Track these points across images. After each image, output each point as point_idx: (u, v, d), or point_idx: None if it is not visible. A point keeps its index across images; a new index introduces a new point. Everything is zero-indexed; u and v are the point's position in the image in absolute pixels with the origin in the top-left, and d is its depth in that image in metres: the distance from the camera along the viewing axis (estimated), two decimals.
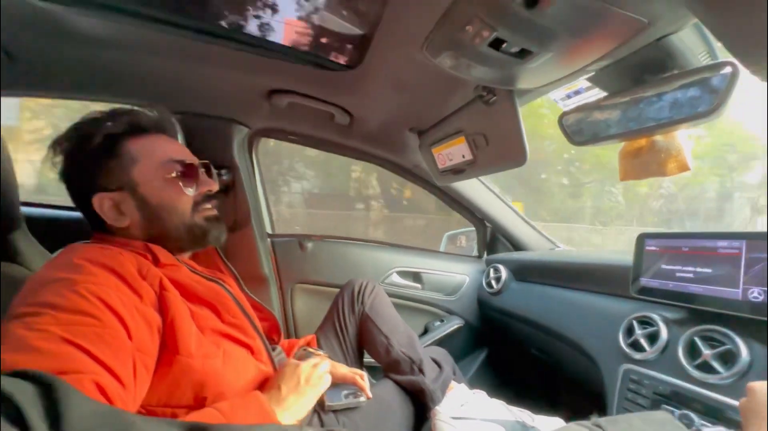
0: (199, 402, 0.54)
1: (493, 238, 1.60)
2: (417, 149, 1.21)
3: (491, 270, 1.46)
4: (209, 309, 0.63)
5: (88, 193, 0.61)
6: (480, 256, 1.62)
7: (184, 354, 0.53)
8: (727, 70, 0.54)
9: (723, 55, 0.58)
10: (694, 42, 0.58)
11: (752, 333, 0.66)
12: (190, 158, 0.69)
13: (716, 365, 0.67)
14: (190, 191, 0.66)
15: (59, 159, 0.63)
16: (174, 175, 0.64)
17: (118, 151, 0.62)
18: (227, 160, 1.18)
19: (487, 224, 1.56)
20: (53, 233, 0.78)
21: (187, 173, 0.66)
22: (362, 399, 0.78)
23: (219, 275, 0.75)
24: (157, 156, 0.64)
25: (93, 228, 0.65)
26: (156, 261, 0.61)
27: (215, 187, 0.71)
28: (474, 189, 1.41)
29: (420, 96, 0.94)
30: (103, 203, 0.61)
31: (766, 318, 0.64)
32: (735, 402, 0.62)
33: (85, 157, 0.62)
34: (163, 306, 0.55)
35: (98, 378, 0.42)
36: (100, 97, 1.01)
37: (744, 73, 0.51)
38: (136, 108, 0.68)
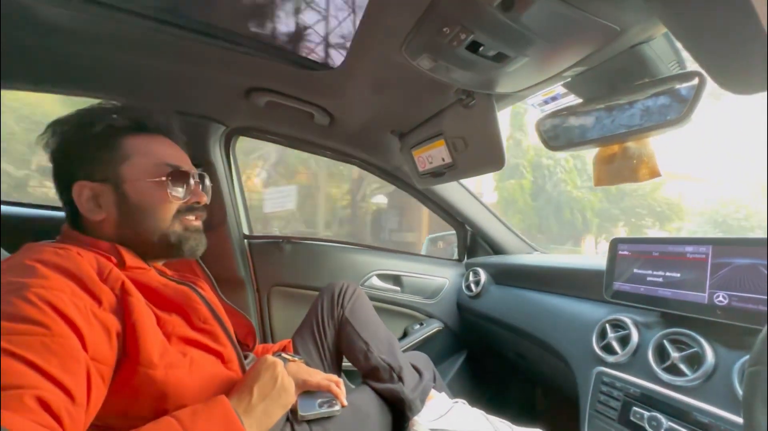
0: (160, 415, 0.51)
1: (473, 242, 1.61)
2: (398, 151, 1.20)
3: (470, 274, 1.47)
4: (178, 315, 0.60)
5: (71, 179, 0.60)
6: (460, 260, 1.63)
7: (145, 364, 0.50)
8: (695, 80, 0.56)
9: (691, 64, 0.60)
10: (664, 51, 0.60)
11: (717, 336, 0.68)
12: (187, 166, 0.67)
13: (683, 367, 0.69)
14: (177, 198, 0.63)
15: (54, 140, 0.61)
16: (163, 179, 0.62)
17: (115, 144, 0.61)
18: (203, 158, 1.15)
19: (468, 227, 1.57)
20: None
21: (178, 180, 0.64)
22: (337, 407, 0.76)
23: (191, 278, 0.71)
24: (152, 157, 0.63)
25: (67, 220, 0.62)
26: (122, 264, 0.58)
27: (204, 199, 0.69)
28: (455, 192, 1.41)
29: (400, 98, 0.93)
30: (82, 192, 0.59)
31: (730, 322, 0.66)
32: (701, 404, 0.63)
33: (80, 142, 0.60)
34: (124, 311, 0.52)
35: (42, 393, 0.39)
36: (70, 91, 0.97)
37: (710, 83, 0.53)
38: (144, 106, 0.66)
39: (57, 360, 0.42)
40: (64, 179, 0.61)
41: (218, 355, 0.63)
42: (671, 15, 0.43)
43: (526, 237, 1.53)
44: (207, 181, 0.72)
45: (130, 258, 0.60)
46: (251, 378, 0.59)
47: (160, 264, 0.69)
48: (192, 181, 0.66)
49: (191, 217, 0.67)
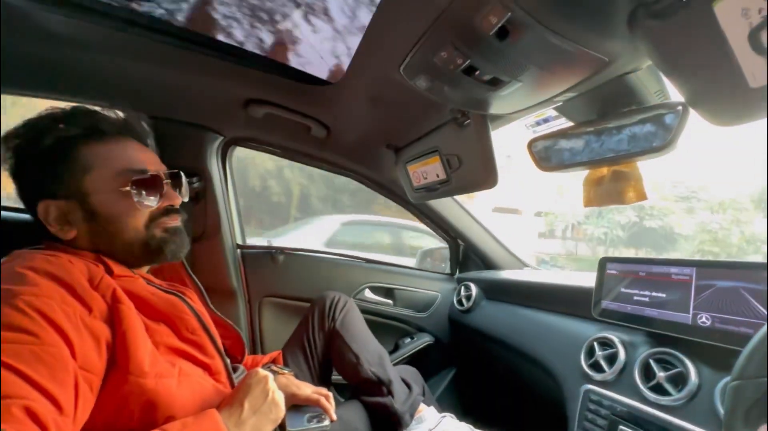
0: (148, 426, 0.50)
1: (465, 256, 1.62)
2: (393, 165, 1.22)
3: (462, 288, 1.47)
4: (166, 324, 0.59)
5: (35, 198, 0.58)
6: (452, 274, 1.64)
7: (135, 373, 0.50)
8: (678, 109, 0.58)
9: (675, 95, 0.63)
10: (650, 81, 0.63)
11: (701, 356, 0.70)
12: (155, 167, 0.64)
13: (668, 387, 0.70)
14: (147, 206, 0.61)
15: (9, 157, 0.58)
16: (128, 188, 0.59)
17: (70, 155, 0.58)
18: (199, 167, 1.15)
19: (460, 242, 1.59)
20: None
21: (147, 185, 0.61)
22: (326, 422, 0.75)
23: (180, 288, 0.71)
24: (114, 164, 0.59)
25: (42, 235, 0.60)
26: (109, 273, 0.57)
27: (178, 201, 0.66)
28: (448, 207, 1.43)
29: (397, 114, 0.95)
30: (48, 211, 0.57)
31: (713, 343, 0.67)
32: (685, 424, 0.64)
33: (34, 159, 0.57)
34: (115, 319, 0.51)
35: (30, 404, 0.38)
36: (67, 97, 0.97)
37: (693, 112, 0.55)
38: (98, 108, 0.63)
39: (46, 370, 0.42)
40: (28, 198, 0.59)
41: (206, 367, 0.62)
42: (654, 49, 0.46)
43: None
44: (183, 180, 0.69)
45: (116, 267, 0.59)
46: (242, 392, 0.58)
47: (145, 271, 0.68)
48: (163, 184, 0.63)
49: (167, 219, 0.64)
